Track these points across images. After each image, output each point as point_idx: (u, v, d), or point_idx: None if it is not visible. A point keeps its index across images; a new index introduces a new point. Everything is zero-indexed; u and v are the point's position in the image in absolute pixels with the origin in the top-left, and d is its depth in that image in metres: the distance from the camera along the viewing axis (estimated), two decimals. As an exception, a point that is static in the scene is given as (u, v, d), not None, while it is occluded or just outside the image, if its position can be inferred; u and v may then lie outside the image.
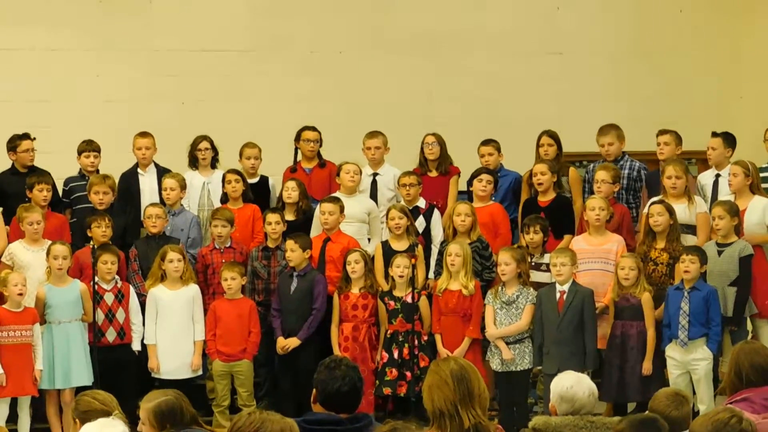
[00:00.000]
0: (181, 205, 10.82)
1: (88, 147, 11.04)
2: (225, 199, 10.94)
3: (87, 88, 12.58)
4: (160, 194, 10.81)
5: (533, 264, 10.27)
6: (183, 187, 10.78)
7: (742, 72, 14.12)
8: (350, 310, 10.15)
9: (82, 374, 9.75)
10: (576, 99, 13.63)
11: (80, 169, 11.07)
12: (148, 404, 6.16)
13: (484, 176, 10.80)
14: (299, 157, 11.45)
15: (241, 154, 11.27)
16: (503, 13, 13.61)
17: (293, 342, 10.11)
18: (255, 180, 11.24)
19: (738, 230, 10.07)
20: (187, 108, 12.75)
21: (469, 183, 10.95)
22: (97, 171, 10.98)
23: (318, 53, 13.16)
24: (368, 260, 10.23)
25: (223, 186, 10.93)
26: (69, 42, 12.52)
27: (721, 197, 10.53)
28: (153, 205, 10.54)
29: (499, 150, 11.26)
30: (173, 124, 12.15)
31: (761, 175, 10.59)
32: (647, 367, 9.74)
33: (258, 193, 11.15)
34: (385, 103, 13.14)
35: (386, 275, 10.31)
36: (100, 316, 9.92)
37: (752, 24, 14.06)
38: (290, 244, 10.15)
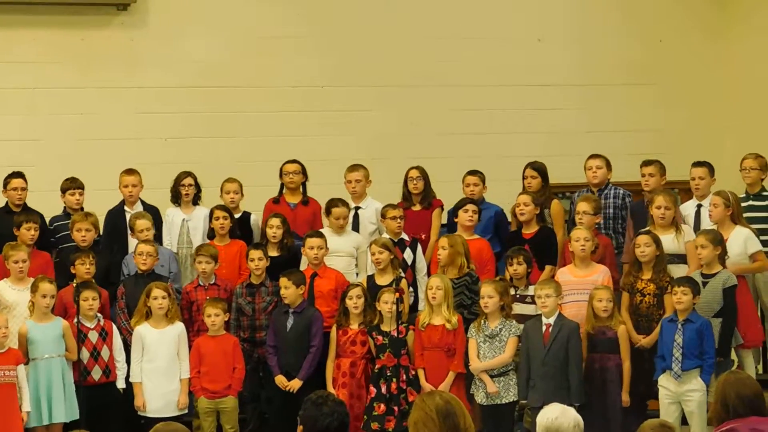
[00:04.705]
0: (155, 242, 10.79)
1: (72, 185, 11.06)
2: (212, 235, 10.94)
3: (70, 126, 12.57)
4: None
5: (518, 296, 10.25)
6: (153, 223, 10.75)
7: (725, 101, 14.17)
8: (348, 345, 10.10)
9: (61, 411, 9.68)
10: (560, 130, 13.68)
11: (65, 207, 11.07)
12: None
13: (470, 207, 10.82)
14: (285, 190, 11.46)
15: (221, 190, 11.28)
16: (486, 45, 13.66)
17: (296, 384, 10.04)
18: (238, 215, 11.22)
19: (723, 259, 10.07)
20: (170, 145, 12.76)
21: (454, 214, 10.96)
22: (82, 209, 10.96)
23: (300, 88, 13.19)
24: (368, 296, 10.18)
25: (211, 222, 10.93)
26: (52, 80, 12.52)
27: (704, 227, 10.55)
28: (145, 242, 10.48)
29: (483, 182, 11.31)
30: (156, 161, 12.15)
31: (742, 205, 10.61)
32: (626, 399, 9.75)
33: (242, 228, 11.13)
34: (369, 137, 13.20)
35: (372, 309, 10.27)
36: (85, 354, 9.87)
37: (734, 53, 14.14)
38: (284, 281, 10.12)
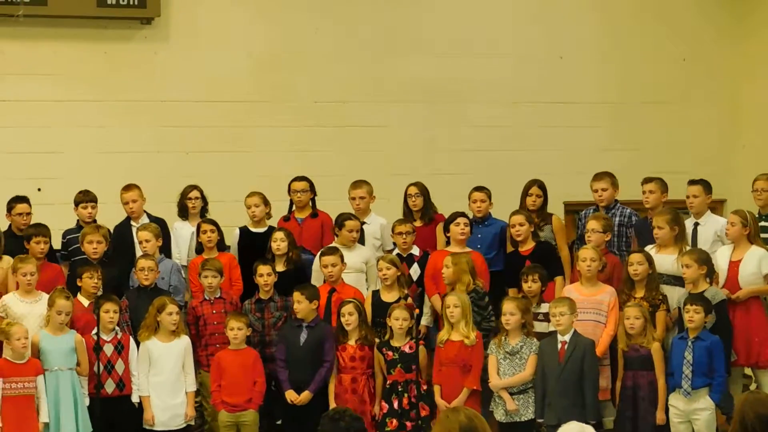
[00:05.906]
0: (161, 254, 10.82)
1: (85, 198, 11.05)
2: (200, 249, 10.94)
3: (92, 139, 12.64)
4: None
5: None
6: (157, 236, 10.74)
7: (744, 120, 14.17)
8: (348, 362, 10.08)
9: (71, 425, 9.68)
10: (578, 148, 13.71)
11: (78, 221, 11.09)
12: None
13: (461, 219, 10.80)
14: (294, 207, 11.49)
15: (245, 204, 11.29)
16: (504, 62, 13.71)
17: (306, 396, 10.03)
18: (263, 229, 11.24)
19: (711, 278, 10.06)
20: (190, 158, 12.83)
21: (445, 228, 10.90)
22: (95, 221, 10.97)
23: (320, 103, 13.25)
24: (362, 311, 10.15)
25: (198, 236, 10.94)
26: (74, 93, 12.60)
27: (701, 245, 10.55)
28: (144, 257, 10.51)
29: (489, 198, 11.28)
30: (177, 174, 12.18)
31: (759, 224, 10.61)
32: (661, 417, 9.73)
33: (265, 243, 11.01)
34: (387, 153, 13.24)
35: (375, 324, 10.28)
36: (99, 367, 9.87)
37: (753, 72, 14.14)
38: (297, 295, 10.11)
